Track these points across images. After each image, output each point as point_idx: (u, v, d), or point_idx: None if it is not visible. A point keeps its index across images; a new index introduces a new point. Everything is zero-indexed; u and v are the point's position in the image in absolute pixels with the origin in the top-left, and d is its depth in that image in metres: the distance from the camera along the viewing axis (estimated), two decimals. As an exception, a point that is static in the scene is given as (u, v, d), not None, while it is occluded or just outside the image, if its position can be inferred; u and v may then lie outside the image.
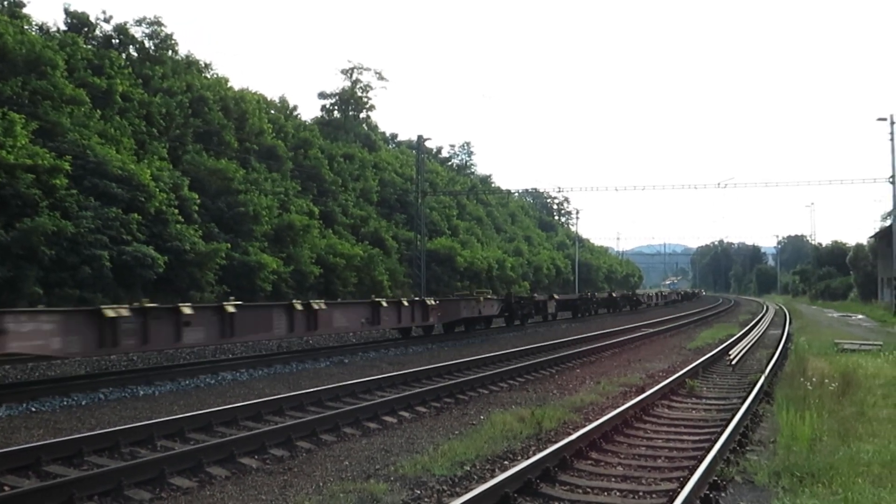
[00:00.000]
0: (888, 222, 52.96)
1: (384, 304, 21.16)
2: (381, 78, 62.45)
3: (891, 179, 41.46)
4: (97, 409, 11.40)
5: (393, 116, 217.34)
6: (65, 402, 11.93)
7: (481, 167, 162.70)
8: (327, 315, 18.84)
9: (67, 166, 23.27)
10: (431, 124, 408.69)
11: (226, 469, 7.91)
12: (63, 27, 35.85)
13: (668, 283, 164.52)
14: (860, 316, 44.01)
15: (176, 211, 27.08)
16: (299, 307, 17.75)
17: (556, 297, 37.19)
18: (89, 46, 34.21)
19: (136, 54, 38.08)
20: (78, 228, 22.32)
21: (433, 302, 24.06)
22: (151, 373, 14.74)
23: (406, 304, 22.36)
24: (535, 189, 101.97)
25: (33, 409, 11.34)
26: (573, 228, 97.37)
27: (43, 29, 34.64)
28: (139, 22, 38.79)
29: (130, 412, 11.13)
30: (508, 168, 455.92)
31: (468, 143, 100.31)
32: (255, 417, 10.48)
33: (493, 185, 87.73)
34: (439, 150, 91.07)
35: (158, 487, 7.21)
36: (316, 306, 18.30)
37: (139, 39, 38.64)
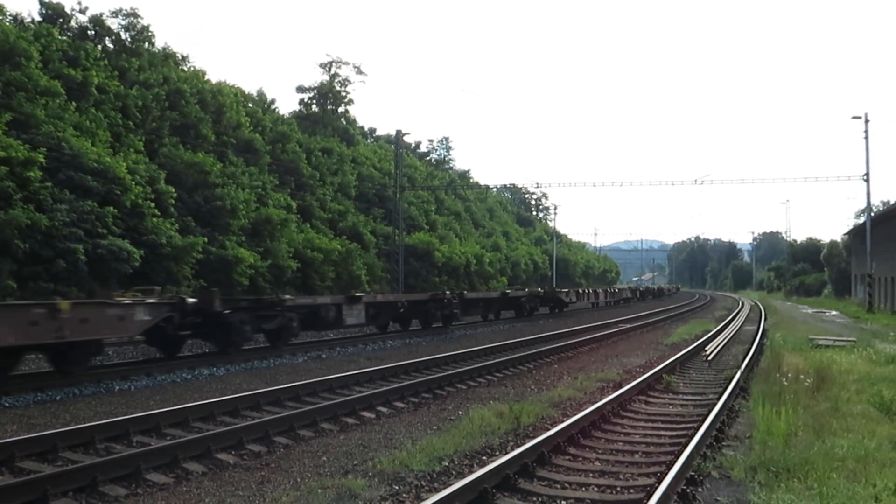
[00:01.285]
0: (862, 219, 53.62)
1: (599, 290, 49.68)
2: (359, 72, 61.86)
3: (865, 177, 41.98)
4: (72, 405, 11.29)
5: (371, 111, 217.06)
6: (39, 398, 11.80)
7: (460, 162, 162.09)
8: (598, 294, 47.33)
9: (42, 159, 22.91)
10: (410, 119, 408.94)
11: (202, 465, 7.87)
12: (38, 18, 35.34)
13: (635, 279, 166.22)
14: (834, 312, 44.57)
15: (152, 204, 26.77)
16: (591, 290, 47.92)
17: (640, 289, 70.23)
18: (64, 38, 33.69)
19: (112, 46, 37.58)
20: (52, 221, 21.99)
21: (616, 290, 53.04)
22: (127, 368, 14.62)
23: (600, 291, 49.63)
24: (514, 184, 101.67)
25: (7, 404, 11.21)
26: (551, 224, 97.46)
27: (17, 19, 34.06)
28: (115, 13, 38.27)
29: (106, 407, 11.03)
30: (487, 163, 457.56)
31: (447, 138, 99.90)
32: (232, 413, 10.43)
33: (471, 181, 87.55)
34: (418, 144, 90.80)
35: (134, 483, 7.16)
36: (593, 290, 48.15)
37: (115, 31, 38.11)
